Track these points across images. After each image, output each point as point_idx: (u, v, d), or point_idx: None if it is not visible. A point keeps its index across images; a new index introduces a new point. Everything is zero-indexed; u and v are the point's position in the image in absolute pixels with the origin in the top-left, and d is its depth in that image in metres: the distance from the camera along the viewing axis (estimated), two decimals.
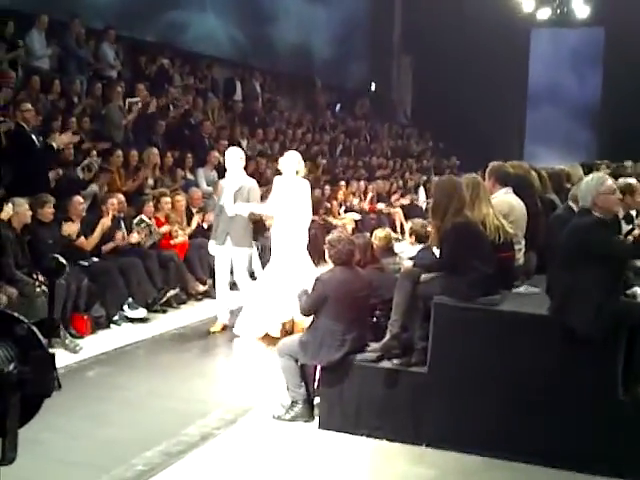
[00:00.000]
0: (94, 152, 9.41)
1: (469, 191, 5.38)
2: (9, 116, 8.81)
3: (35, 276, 6.82)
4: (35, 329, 2.16)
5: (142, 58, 13.06)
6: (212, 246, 8.04)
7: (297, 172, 7.59)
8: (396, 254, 6.59)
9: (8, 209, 7.01)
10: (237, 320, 7.58)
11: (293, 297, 6.77)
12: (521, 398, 4.99)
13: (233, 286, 8.11)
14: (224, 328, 7.75)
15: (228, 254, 7.84)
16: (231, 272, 7.97)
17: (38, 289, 6.66)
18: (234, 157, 7.91)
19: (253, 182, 8.01)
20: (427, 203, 14.79)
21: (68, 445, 4.98)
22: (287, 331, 7.19)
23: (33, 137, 8.38)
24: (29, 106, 8.55)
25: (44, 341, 2.16)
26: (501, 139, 19.21)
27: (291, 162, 7.59)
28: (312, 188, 12.94)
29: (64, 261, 2.49)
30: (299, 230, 7.52)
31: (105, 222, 7.93)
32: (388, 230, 7.06)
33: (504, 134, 20.04)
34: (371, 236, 6.38)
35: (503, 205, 5.82)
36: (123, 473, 4.57)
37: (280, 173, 7.74)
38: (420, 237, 6.52)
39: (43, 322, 2.25)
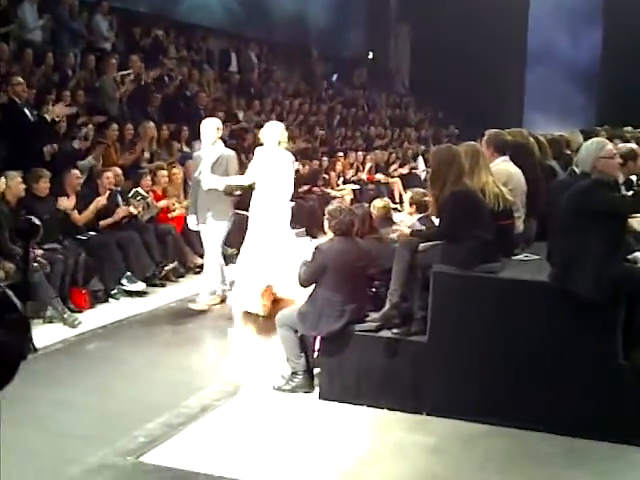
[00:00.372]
0: (90, 126, 9.32)
1: (468, 159, 5.34)
2: (1, 90, 8.73)
3: (32, 250, 6.78)
4: (10, 292, 2.14)
5: (136, 30, 12.92)
6: (192, 221, 7.75)
7: (279, 143, 7.27)
8: (395, 224, 6.54)
9: (1, 183, 6.96)
10: (231, 293, 7.53)
11: (272, 272, 7.00)
12: (521, 365, 4.98)
13: (226, 259, 8.04)
14: (223, 301, 7.73)
15: (211, 228, 7.60)
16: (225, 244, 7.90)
17: (35, 264, 6.62)
18: (210, 127, 7.51)
19: (231, 153, 7.63)
20: (426, 172, 14.74)
21: (70, 418, 4.99)
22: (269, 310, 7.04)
23: (26, 111, 8.32)
24: (20, 80, 8.46)
25: (19, 304, 2.13)
26: (500, 108, 19.07)
27: (272, 132, 7.28)
28: (310, 159, 13.05)
29: (38, 222, 2.47)
30: (279, 203, 7.25)
31: (100, 200, 7.88)
32: (387, 200, 7.03)
33: (503, 102, 19.91)
34: (369, 206, 6.33)
35: (501, 173, 5.77)
36: (125, 445, 4.58)
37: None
38: (419, 206, 6.49)
39: (18, 285, 2.22)
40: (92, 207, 7.84)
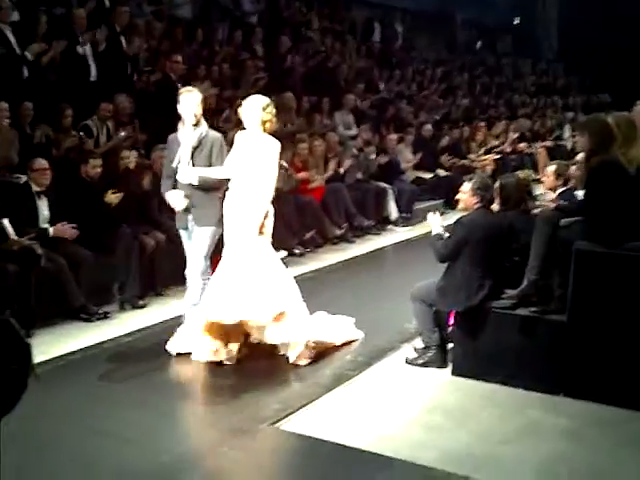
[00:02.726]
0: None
1: (620, 130, 5.06)
2: (156, 67, 9.15)
3: None
4: (13, 320, 2.14)
5: (281, 1, 13.08)
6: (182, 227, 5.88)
7: (265, 124, 5.55)
8: (536, 197, 6.33)
9: (155, 155, 7.32)
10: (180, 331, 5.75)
11: (245, 303, 5.37)
12: None
13: None
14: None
15: (193, 235, 5.76)
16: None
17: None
18: (190, 103, 5.63)
19: (217, 135, 5.79)
20: (573, 142, 14.11)
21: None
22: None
23: (179, 86, 8.65)
24: (179, 57, 8.82)
25: (22, 331, 2.14)
26: None
27: (253, 110, 5.55)
28: (450, 129, 12.74)
29: (40, 251, 2.48)
30: (254, 203, 5.48)
31: None
32: (528, 172, 6.80)
33: None
34: (516, 177, 6.11)
35: None
36: (258, 412, 4.73)
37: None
38: (563, 179, 6.22)
39: (19, 312, 2.23)
40: None
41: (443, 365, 5.43)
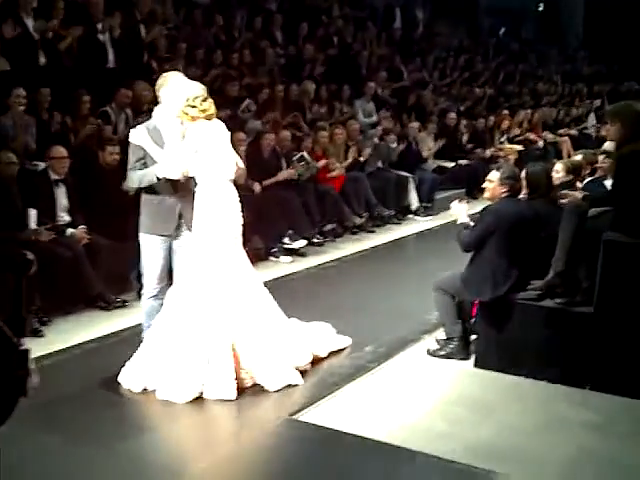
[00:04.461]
0: (265, 91, 9.41)
1: None
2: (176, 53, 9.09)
3: None
4: (5, 328, 2.09)
5: None
6: (147, 238, 4.94)
7: (185, 115, 4.77)
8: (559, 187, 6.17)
9: None
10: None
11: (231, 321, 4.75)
12: None
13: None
14: None
15: (182, 245, 4.94)
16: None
17: None
18: (175, 90, 4.85)
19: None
20: (598, 130, 13.88)
21: None
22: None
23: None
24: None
25: (14, 339, 2.09)
26: None
27: (175, 98, 4.80)
28: (475, 118, 12.55)
29: (31, 256, 2.40)
30: (218, 201, 4.77)
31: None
32: (553, 161, 6.66)
33: None
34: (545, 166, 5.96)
35: None
36: (278, 404, 4.66)
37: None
38: (573, 175, 6.04)
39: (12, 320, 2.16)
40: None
41: (466, 357, 5.33)
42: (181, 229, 4.90)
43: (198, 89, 4.84)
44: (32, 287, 5.64)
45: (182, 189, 4.85)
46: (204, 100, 4.80)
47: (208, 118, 4.81)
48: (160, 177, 4.79)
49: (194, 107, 4.75)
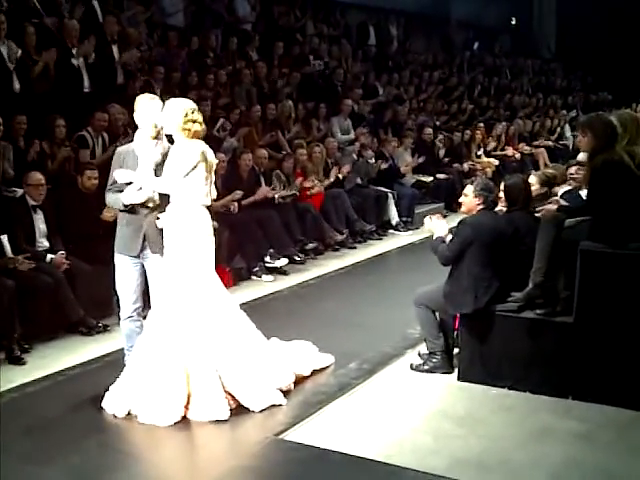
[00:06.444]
0: (237, 110, 9.46)
1: (622, 129, 4.99)
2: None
3: None
4: None
5: (275, 7, 13.00)
6: (118, 257, 5.00)
7: (185, 130, 4.69)
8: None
9: None
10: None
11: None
12: None
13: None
14: None
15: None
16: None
17: None
18: (152, 110, 4.84)
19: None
20: (574, 142, 14.03)
21: None
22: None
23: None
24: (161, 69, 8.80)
25: None
26: None
27: (173, 115, 4.73)
28: (451, 132, 12.65)
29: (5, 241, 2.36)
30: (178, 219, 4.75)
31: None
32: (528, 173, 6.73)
33: None
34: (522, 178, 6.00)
35: None
36: (263, 423, 4.64)
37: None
38: (547, 187, 6.08)
39: None
40: (229, 198, 7.80)
41: (449, 370, 5.34)
42: (145, 251, 4.92)
43: (190, 101, 4.84)
44: (12, 314, 5.63)
45: (153, 210, 4.87)
46: (199, 112, 4.79)
47: (203, 134, 4.81)
48: (126, 204, 4.85)
49: (195, 122, 4.70)
